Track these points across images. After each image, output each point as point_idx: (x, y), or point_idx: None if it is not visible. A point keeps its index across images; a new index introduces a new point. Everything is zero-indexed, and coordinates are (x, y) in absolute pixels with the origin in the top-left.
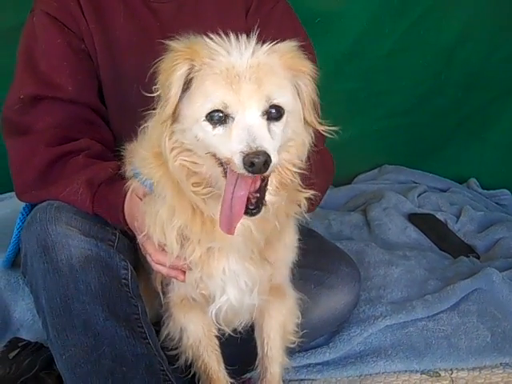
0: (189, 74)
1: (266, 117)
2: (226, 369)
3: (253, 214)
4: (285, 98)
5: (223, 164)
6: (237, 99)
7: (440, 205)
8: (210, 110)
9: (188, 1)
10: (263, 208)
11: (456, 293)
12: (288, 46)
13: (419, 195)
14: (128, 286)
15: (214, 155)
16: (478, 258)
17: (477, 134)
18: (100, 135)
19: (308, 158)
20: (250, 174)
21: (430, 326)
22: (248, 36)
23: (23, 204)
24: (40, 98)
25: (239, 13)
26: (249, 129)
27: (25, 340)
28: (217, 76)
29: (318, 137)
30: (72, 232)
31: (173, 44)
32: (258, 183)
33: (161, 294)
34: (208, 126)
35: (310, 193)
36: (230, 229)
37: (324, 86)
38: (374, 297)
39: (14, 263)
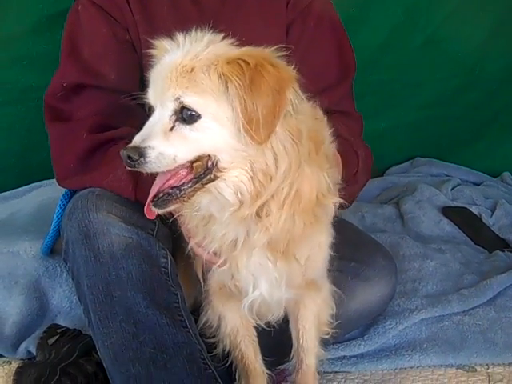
0: None
1: (174, 118)
2: (263, 359)
3: (155, 206)
4: (200, 102)
5: None
6: (153, 96)
7: (474, 198)
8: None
9: None
10: (170, 204)
11: (492, 287)
12: (239, 52)
13: (453, 188)
14: (167, 275)
15: None
16: None
17: (511, 128)
18: (141, 123)
19: (353, 156)
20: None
21: (466, 320)
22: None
23: (61, 191)
24: (83, 85)
25: (280, 6)
26: (148, 125)
27: (63, 326)
28: (153, 73)
29: (356, 129)
30: (113, 220)
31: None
32: (182, 181)
33: (201, 280)
34: None
35: (334, 199)
36: (147, 213)
37: (358, 77)
38: (409, 290)
39: (52, 250)
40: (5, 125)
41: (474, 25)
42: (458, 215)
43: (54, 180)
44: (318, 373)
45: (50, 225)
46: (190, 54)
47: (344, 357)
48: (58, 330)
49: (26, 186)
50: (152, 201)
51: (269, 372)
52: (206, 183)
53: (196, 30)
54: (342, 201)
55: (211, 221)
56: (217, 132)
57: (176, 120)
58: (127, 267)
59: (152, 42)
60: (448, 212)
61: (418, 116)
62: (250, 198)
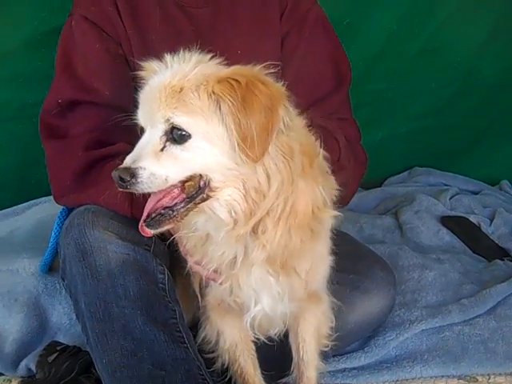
0: None
1: (165, 138)
2: (262, 374)
3: (148, 226)
4: (190, 122)
5: None
6: (143, 117)
7: (473, 207)
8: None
9: (224, 6)
10: (163, 224)
11: (492, 297)
12: (230, 71)
13: (451, 198)
14: (165, 290)
15: None
16: None
17: (508, 135)
18: (136, 140)
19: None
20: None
21: (467, 330)
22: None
23: (59, 208)
24: (77, 102)
25: (274, 17)
26: (138, 146)
27: (63, 344)
28: (142, 94)
29: (353, 134)
30: (109, 237)
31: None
32: (175, 201)
33: (199, 296)
34: None
35: (331, 213)
36: (142, 231)
37: (354, 87)
38: (409, 301)
39: (51, 267)
40: (2, 142)
41: (468, 33)
42: (456, 225)
43: (51, 197)
44: None
45: (48, 242)
46: (179, 75)
47: (345, 369)
48: (58, 348)
49: (24, 203)
50: (145, 221)
51: None
52: (199, 203)
53: (185, 50)
54: (338, 214)
55: (208, 240)
56: (208, 151)
57: (167, 140)
58: (124, 284)
59: (142, 61)
60: (447, 222)
61: (415, 125)
62: (243, 217)
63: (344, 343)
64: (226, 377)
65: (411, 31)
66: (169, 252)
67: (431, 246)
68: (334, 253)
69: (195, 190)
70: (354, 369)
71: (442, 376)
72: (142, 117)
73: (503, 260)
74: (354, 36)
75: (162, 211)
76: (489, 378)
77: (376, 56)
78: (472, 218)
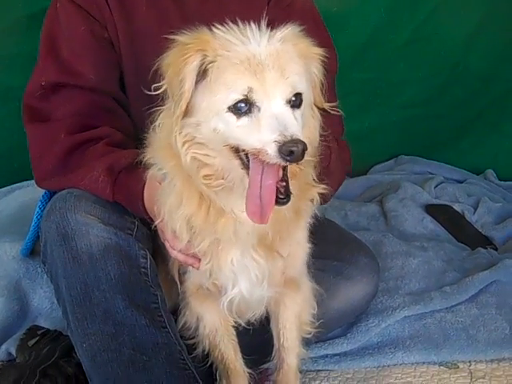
0: (201, 65)
1: (289, 105)
2: (243, 359)
3: (283, 203)
4: (303, 86)
5: (241, 155)
6: (262, 88)
7: (457, 196)
8: (234, 101)
9: None
10: (292, 196)
11: (474, 284)
12: (297, 33)
13: (436, 186)
14: (147, 275)
15: (233, 147)
16: (496, 249)
17: (494, 126)
18: (120, 124)
19: (326, 148)
20: (287, 163)
21: (449, 317)
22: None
23: (41, 192)
24: (62, 85)
25: (262, 4)
26: (278, 118)
27: (44, 328)
28: (238, 66)
29: (338, 129)
30: (91, 221)
31: (178, 37)
32: (281, 172)
33: (178, 282)
34: (231, 116)
35: (322, 187)
36: (263, 218)
37: (342, 75)
38: (392, 288)
39: (32, 251)
40: None
41: (457, 23)
42: (441, 213)
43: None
44: (301, 371)
45: (30, 226)
46: (270, 42)
47: (327, 355)
48: (39, 332)
49: (7, 187)
50: (277, 201)
51: (250, 371)
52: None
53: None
54: (326, 190)
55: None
56: (306, 112)
57: (291, 107)
58: (106, 268)
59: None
60: (431, 210)
61: (402, 114)
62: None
63: (326, 330)
64: (208, 362)
65: (399, 21)
66: (152, 237)
67: (415, 233)
68: (317, 239)
69: None
70: (336, 355)
71: (424, 362)
72: (257, 88)
73: (486, 248)
74: (342, 24)
75: (283, 184)
76: (470, 365)
77: (364, 45)
78: (456, 207)
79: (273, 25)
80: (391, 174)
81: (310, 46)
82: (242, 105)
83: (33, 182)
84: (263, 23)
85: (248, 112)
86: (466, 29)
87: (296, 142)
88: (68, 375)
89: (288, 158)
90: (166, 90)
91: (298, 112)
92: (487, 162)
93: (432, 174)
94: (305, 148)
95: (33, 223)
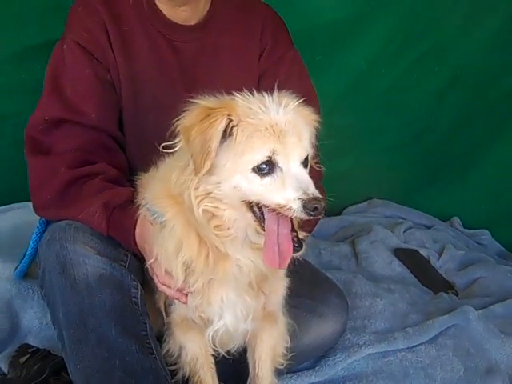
0: (226, 129)
1: (302, 166)
2: None
3: (298, 251)
4: (310, 149)
5: (255, 209)
6: (284, 151)
7: (424, 241)
8: (259, 162)
9: (208, 43)
10: (304, 244)
11: (435, 327)
12: (300, 103)
13: (405, 231)
14: (137, 304)
15: (250, 202)
16: (457, 294)
17: (460, 175)
18: (116, 161)
19: None
20: (310, 217)
21: (409, 356)
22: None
23: (33, 215)
24: (64, 121)
25: (254, 55)
26: (297, 177)
27: (34, 346)
28: (264, 132)
29: (316, 177)
30: (89, 252)
31: (201, 101)
32: (290, 223)
33: (164, 313)
34: (255, 176)
35: (303, 234)
36: (282, 264)
37: (322, 121)
38: (359, 326)
39: (25, 273)
40: None
41: (431, 76)
42: (408, 257)
43: (26, 203)
44: None
45: (22, 248)
46: (294, 111)
47: None
48: (29, 350)
49: None
50: (295, 249)
51: None
52: None
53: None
54: (306, 235)
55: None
56: None
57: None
58: (101, 296)
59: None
60: (399, 253)
61: (377, 159)
62: None
63: (297, 362)
64: None
65: (378, 72)
66: (142, 269)
67: (384, 275)
68: (293, 278)
69: None
70: None
71: None
72: (281, 151)
73: (448, 293)
74: (324, 72)
75: (294, 233)
76: None
77: (344, 93)
78: (423, 252)
79: (263, 77)
80: (364, 216)
81: (311, 114)
82: (264, 166)
83: (22, 204)
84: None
85: (270, 172)
86: (439, 82)
87: (319, 199)
88: None
89: (312, 213)
90: (180, 148)
91: (306, 171)
92: (454, 210)
93: (402, 218)
94: (325, 204)
95: (29, 248)
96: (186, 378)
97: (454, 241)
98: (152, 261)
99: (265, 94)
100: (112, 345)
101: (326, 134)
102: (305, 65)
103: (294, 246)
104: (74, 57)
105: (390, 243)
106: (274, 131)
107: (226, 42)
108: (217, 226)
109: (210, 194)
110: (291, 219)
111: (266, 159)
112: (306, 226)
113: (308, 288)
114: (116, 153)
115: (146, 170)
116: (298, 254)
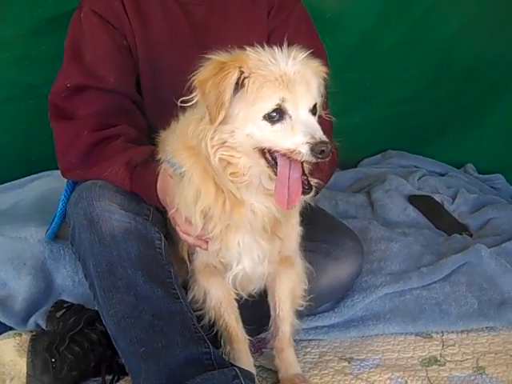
0: (238, 80)
1: (311, 113)
2: (244, 328)
3: (307, 193)
4: (318, 97)
5: (267, 156)
6: (293, 99)
7: (438, 187)
8: (269, 110)
9: (217, 5)
10: (313, 188)
11: (448, 265)
12: (310, 56)
13: (419, 178)
14: (162, 254)
15: (263, 149)
16: (471, 235)
17: (474, 123)
18: (136, 123)
19: None
20: (318, 160)
21: (424, 294)
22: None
23: (59, 182)
24: (85, 87)
25: (262, 15)
26: (306, 123)
27: (69, 302)
28: (273, 82)
29: (326, 126)
30: (113, 207)
31: (214, 57)
32: (301, 168)
33: (187, 261)
34: (266, 124)
35: (314, 181)
36: (289, 205)
37: (333, 75)
38: (375, 268)
39: (56, 235)
40: (7, 121)
41: (441, 27)
42: (422, 203)
43: (52, 171)
44: (295, 341)
45: (52, 213)
46: (302, 62)
47: (317, 327)
48: (65, 305)
49: (26, 177)
50: (304, 191)
51: (250, 338)
52: None
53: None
54: (317, 184)
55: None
56: None
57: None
58: (127, 248)
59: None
60: (414, 200)
61: (389, 112)
62: None
63: (316, 304)
64: (213, 331)
65: (388, 24)
66: (165, 221)
67: (398, 221)
68: (309, 224)
69: None
70: (325, 327)
71: (402, 333)
72: (290, 99)
73: (461, 234)
74: (335, 28)
75: (304, 177)
76: (442, 335)
77: (354, 47)
78: (436, 197)
79: (272, 35)
80: (379, 167)
81: (319, 66)
82: (275, 114)
83: (50, 172)
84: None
85: (280, 119)
86: (449, 32)
87: (325, 142)
88: (92, 341)
89: (320, 156)
90: (197, 102)
91: (315, 118)
92: (468, 157)
93: (416, 167)
94: (332, 147)
95: (58, 210)
96: (211, 322)
97: (468, 186)
98: (173, 211)
99: (274, 47)
100: (140, 291)
101: (338, 89)
102: (312, 21)
103: (303, 188)
104: (91, 24)
105: (404, 191)
106: (283, 81)
107: (235, 2)
108: (232, 173)
109: (225, 142)
110: (302, 164)
111: (275, 107)
112: (321, 174)
113: (323, 233)
114: (136, 114)
115: (164, 128)
116: (307, 197)
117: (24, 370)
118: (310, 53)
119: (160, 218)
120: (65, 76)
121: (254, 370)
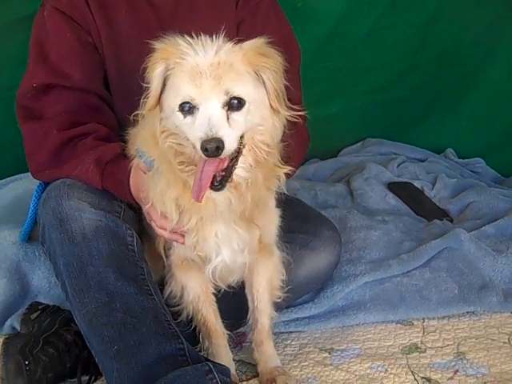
0: (166, 71)
1: (226, 108)
2: (223, 322)
3: (217, 190)
4: (245, 91)
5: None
6: (200, 93)
7: (417, 173)
8: (180, 102)
9: None
10: (227, 185)
11: (428, 251)
12: (252, 44)
13: (398, 165)
14: (134, 251)
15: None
16: (452, 221)
17: (451, 107)
18: (105, 120)
19: (286, 136)
20: (207, 158)
21: (404, 281)
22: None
23: (34, 184)
24: (51, 86)
25: (231, 6)
26: (209, 118)
27: (44, 303)
28: (184, 73)
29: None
30: (83, 206)
31: (156, 44)
32: (226, 164)
33: (164, 256)
34: (180, 115)
35: (288, 168)
36: (197, 198)
37: (308, 65)
38: (355, 257)
39: (30, 237)
40: None
41: (414, 12)
42: (402, 189)
43: (27, 174)
44: (275, 333)
45: (26, 215)
46: (217, 53)
47: (297, 319)
48: (39, 307)
49: (0, 181)
50: (211, 187)
51: (229, 333)
52: (238, 160)
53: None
54: (290, 171)
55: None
56: (254, 113)
57: (228, 109)
58: (98, 246)
59: (155, 45)
60: (393, 187)
61: (367, 99)
62: (254, 165)
63: (295, 295)
64: (191, 327)
65: (360, 12)
66: (137, 218)
67: (378, 209)
68: (286, 215)
69: (237, 150)
70: (306, 318)
71: (383, 322)
72: (195, 92)
73: (442, 220)
74: (307, 18)
75: (222, 173)
76: (423, 322)
77: (328, 36)
78: (416, 183)
79: (241, 25)
80: (358, 155)
81: (260, 57)
82: (187, 105)
83: (25, 175)
84: (222, 36)
85: (191, 112)
86: (422, 17)
87: (212, 140)
88: (68, 342)
89: (205, 153)
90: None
91: (237, 114)
92: (447, 142)
93: (396, 154)
94: (221, 146)
95: (30, 211)
96: (189, 318)
97: (448, 171)
98: (148, 206)
99: (205, 37)
100: (111, 289)
101: (314, 79)
102: (282, 10)
103: (213, 183)
104: (55, 22)
105: (383, 178)
106: (191, 73)
107: None
108: (181, 162)
109: (169, 129)
110: (231, 160)
111: (183, 100)
112: (291, 159)
113: (300, 223)
114: (105, 112)
115: (134, 125)
116: (216, 193)
117: None
118: (270, 42)
119: (132, 214)
120: (31, 76)
121: (232, 365)
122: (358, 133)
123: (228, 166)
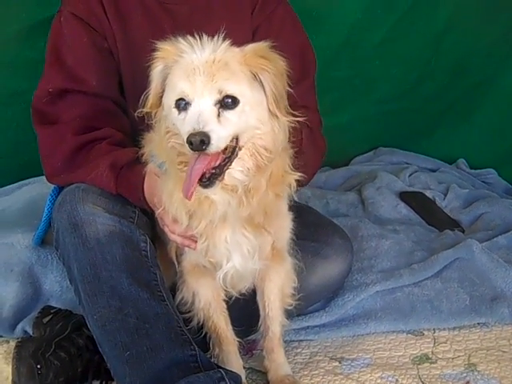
0: (165, 69)
1: (218, 105)
2: (233, 329)
3: (205, 187)
4: (239, 90)
5: None
6: (193, 89)
7: (429, 183)
8: (176, 98)
9: (200, 3)
10: (216, 183)
11: (439, 261)
12: (254, 46)
13: (410, 175)
14: (147, 257)
15: None
16: (463, 231)
17: (464, 117)
18: (120, 125)
19: (297, 139)
20: (193, 152)
21: (416, 291)
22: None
23: (47, 187)
24: (67, 90)
25: (246, 13)
26: (199, 114)
27: (56, 307)
28: (180, 70)
29: (314, 120)
30: (98, 211)
31: (158, 44)
32: (218, 162)
33: (176, 262)
34: (176, 112)
35: (298, 175)
36: (187, 194)
37: (321, 73)
38: (366, 266)
39: (43, 241)
40: None
41: (427, 22)
42: (413, 199)
43: (41, 177)
44: (285, 341)
45: (39, 218)
46: (220, 51)
47: (308, 327)
48: (52, 311)
49: (14, 184)
50: (200, 183)
51: (239, 340)
52: (233, 161)
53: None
54: (302, 178)
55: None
56: (249, 114)
57: (220, 107)
58: (111, 251)
59: (157, 45)
60: (405, 196)
61: (379, 109)
62: (255, 170)
63: (307, 303)
64: (202, 334)
65: (374, 22)
66: (151, 224)
67: (390, 218)
68: (298, 223)
69: (231, 150)
70: (316, 326)
71: (393, 331)
72: (189, 88)
73: (453, 230)
74: (321, 26)
75: (213, 171)
76: (434, 332)
77: (341, 45)
78: (428, 193)
79: (256, 32)
80: (370, 164)
81: (258, 59)
82: (182, 102)
83: (39, 178)
84: (220, 35)
85: (185, 109)
86: (435, 28)
87: (196, 134)
88: (79, 346)
89: (190, 146)
90: None
91: (230, 112)
92: (459, 152)
93: (408, 163)
94: (205, 140)
95: (44, 215)
96: (200, 325)
97: (459, 181)
98: (161, 210)
99: (206, 37)
100: (125, 294)
101: (327, 87)
102: (298, 19)
103: (200, 181)
104: (72, 27)
105: (395, 188)
106: (186, 70)
107: (218, 0)
108: (181, 163)
109: (170, 131)
110: (225, 159)
111: (178, 97)
112: (305, 168)
113: (312, 231)
114: (119, 117)
115: (149, 130)
116: (205, 190)
117: (10, 377)
118: (272, 46)
119: (146, 220)
120: (47, 81)
121: (243, 372)
122: (369, 142)
123: (220, 164)
